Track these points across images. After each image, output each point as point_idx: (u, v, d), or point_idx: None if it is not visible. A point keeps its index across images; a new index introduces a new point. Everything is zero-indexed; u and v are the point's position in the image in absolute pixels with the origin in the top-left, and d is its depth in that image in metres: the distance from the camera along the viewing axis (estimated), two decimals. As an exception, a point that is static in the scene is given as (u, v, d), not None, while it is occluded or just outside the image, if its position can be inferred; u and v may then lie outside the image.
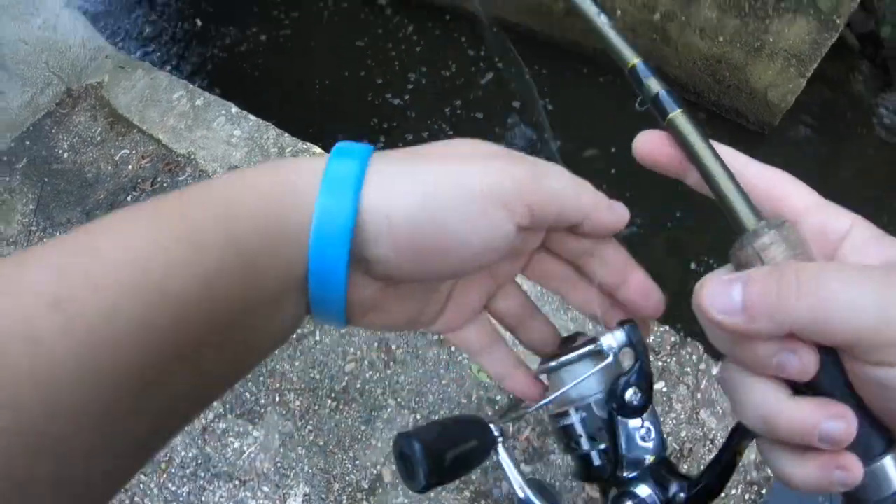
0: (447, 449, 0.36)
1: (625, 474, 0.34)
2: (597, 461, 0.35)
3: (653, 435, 0.34)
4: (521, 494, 0.42)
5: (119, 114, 3.24)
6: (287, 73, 4.07)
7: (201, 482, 2.25)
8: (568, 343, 0.38)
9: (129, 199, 2.88)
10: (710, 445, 1.73)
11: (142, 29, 4.73)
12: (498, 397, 1.94)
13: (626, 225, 0.33)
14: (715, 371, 1.83)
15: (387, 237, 0.28)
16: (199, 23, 4.42)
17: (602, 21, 0.33)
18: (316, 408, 2.14)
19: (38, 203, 3.08)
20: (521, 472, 0.42)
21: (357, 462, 2.03)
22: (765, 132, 3.38)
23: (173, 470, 2.33)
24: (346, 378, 2.13)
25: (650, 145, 0.32)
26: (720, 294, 0.26)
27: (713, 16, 3.11)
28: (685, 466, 1.73)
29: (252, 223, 0.26)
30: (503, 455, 0.40)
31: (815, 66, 2.97)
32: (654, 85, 0.31)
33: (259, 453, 2.18)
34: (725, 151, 0.30)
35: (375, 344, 2.14)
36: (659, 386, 1.81)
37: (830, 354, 0.26)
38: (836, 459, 0.26)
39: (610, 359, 0.34)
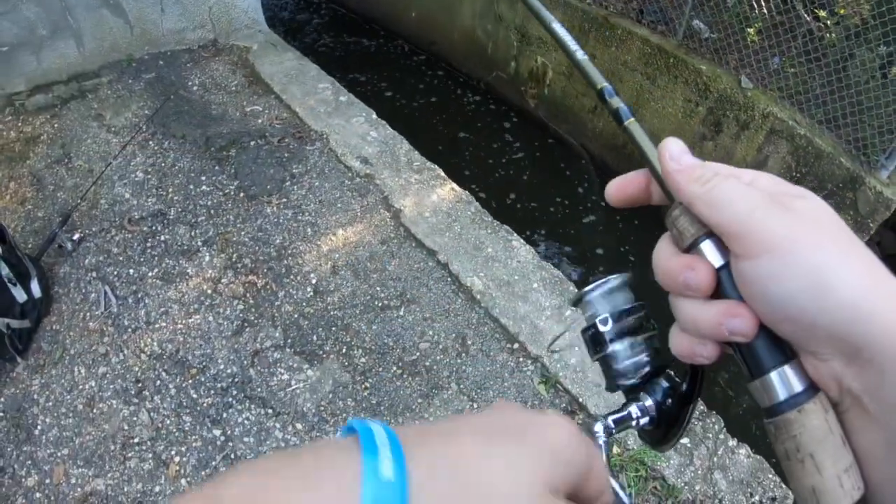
0: None
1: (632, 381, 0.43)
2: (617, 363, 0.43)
3: (641, 353, 0.43)
4: None
5: (261, 78, 3.58)
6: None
7: (230, 399, 2.25)
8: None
9: (251, 143, 3.12)
10: (718, 503, 1.97)
11: (298, 30, 5.28)
12: (549, 411, 2.14)
13: None
14: (732, 443, 2.12)
15: None
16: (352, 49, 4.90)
17: (580, 54, 0.44)
18: (380, 370, 2.25)
19: (157, 112, 3.26)
20: None
21: (403, 430, 2.11)
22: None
23: (203, 378, 2.31)
24: (418, 353, 2.29)
25: (617, 186, 0.41)
26: (677, 149, 0.37)
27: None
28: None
29: None
30: None
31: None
32: (616, 101, 0.41)
33: (305, 392, 2.23)
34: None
35: (454, 335, 2.34)
36: (685, 441, 2.08)
37: (727, 271, 0.33)
38: (735, 308, 0.33)
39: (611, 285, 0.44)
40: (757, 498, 2.01)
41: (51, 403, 2.33)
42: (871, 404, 0.30)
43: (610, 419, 0.42)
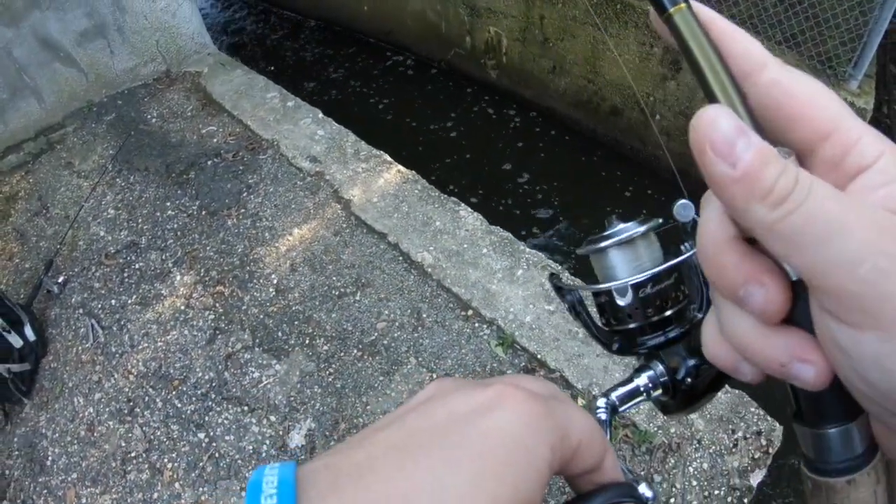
0: None
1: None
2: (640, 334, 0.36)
3: (663, 328, 0.36)
4: None
5: (213, 99, 3.71)
6: (358, 110, 4.68)
7: (210, 403, 2.39)
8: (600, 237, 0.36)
9: (209, 163, 3.25)
10: (697, 445, 1.95)
11: (242, 40, 5.42)
12: (509, 371, 2.20)
13: None
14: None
15: None
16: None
17: None
18: (342, 354, 2.35)
19: (120, 150, 3.42)
20: None
21: (368, 407, 2.21)
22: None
23: (185, 388, 2.46)
24: (376, 334, 2.38)
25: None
26: (727, 131, 0.20)
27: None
28: (672, 460, 1.97)
29: None
30: None
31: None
32: None
33: (276, 385, 2.35)
34: (741, 48, 0.25)
35: (409, 310, 2.42)
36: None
37: (804, 294, 0.22)
38: (807, 352, 0.23)
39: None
40: (740, 434, 1.95)
41: (57, 435, 2.51)
42: None
43: (614, 395, 0.36)
